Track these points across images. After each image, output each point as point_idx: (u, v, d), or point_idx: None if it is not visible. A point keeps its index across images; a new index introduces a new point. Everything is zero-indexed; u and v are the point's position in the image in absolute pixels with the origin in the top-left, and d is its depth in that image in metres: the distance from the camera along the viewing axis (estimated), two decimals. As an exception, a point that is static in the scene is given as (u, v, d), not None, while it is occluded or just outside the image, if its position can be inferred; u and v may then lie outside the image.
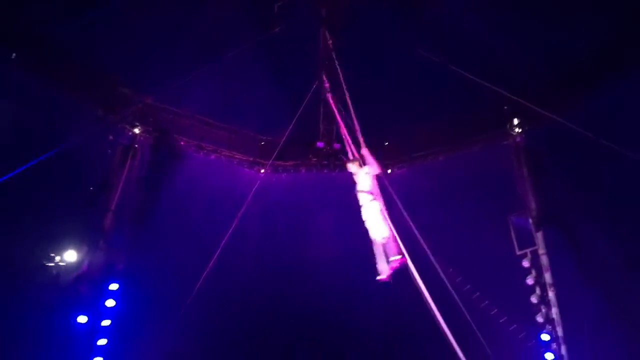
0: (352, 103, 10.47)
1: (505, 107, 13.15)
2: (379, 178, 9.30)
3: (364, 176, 8.77)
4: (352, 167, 9.13)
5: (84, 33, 11.73)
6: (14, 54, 11.53)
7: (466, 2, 10.26)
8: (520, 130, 13.38)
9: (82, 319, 11.95)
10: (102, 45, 12.15)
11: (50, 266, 12.00)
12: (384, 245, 8.28)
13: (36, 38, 11.70)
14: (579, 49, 11.66)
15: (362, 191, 8.60)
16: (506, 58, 9.75)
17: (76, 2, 11.16)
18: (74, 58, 12.13)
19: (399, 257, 7.91)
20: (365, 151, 9.20)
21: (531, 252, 12.88)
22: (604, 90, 11.88)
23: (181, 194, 13.94)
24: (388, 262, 8.10)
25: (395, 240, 8.10)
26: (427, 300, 7.33)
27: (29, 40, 11.68)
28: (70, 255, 12.16)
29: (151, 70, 12.60)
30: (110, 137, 13.25)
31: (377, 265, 8.41)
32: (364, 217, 8.44)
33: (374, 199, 8.51)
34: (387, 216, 8.31)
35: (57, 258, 12.06)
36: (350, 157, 9.73)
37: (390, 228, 8.17)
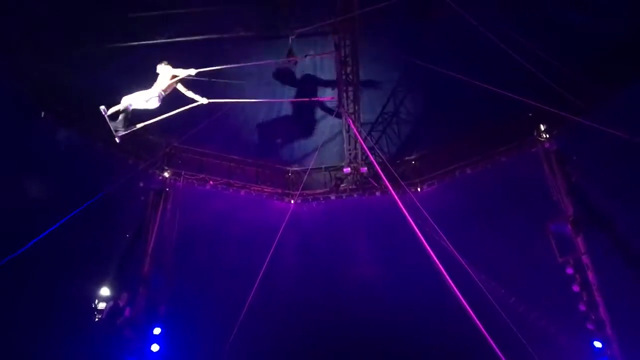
0: (373, 124, 10.50)
1: (530, 114, 13.02)
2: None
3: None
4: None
5: (107, 83, 12.06)
6: (43, 113, 11.93)
7: (481, 9, 10.26)
8: (548, 136, 13.20)
9: (131, 366, 12.06)
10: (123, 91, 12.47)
11: (94, 312, 12.18)
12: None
13: (63, 92, 12.09)
14: (601, 47, 11.50)
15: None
16: (525, 63, 9.66)
17: (103, 53, 11.49)
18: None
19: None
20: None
21: (573, 258, 12.56)
22: (628, 86, 11.65)
23: (215, 232, 14.09)
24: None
25: None
26: (471, 316, 7.16)
27: (58, 95, 12.09)
28: (112, 302, 12.34)
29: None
30: (141, 184, 13.53)
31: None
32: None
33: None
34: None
35: (101, 305, 12.25)
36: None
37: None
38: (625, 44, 11.48)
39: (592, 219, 12.81)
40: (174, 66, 9.19)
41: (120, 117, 8.84)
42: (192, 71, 9.13)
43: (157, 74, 9.21)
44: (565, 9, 10.83)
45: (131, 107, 8.78)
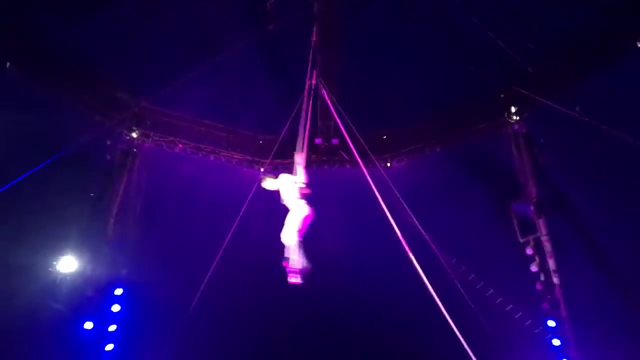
0: (348, 97, 10.43)
1: (502, 95, 13.12)
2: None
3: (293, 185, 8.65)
4: (268, 183, 9.01)
5: (79, 38, 11.73)
6: (8, 63, 11.52)
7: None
8: (518, 118, 13.35)
9: (89, 325, 12.00)
10: (97, 50, 12.16)
11: (53, 273, 12.01)
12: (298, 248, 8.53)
13: (33, 43, 11.70)
14: (574, 31, 11.60)
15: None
16: (499, 45, 9.70)
17: (73, 9, 11.14)
18: (69, 63, 12.14)
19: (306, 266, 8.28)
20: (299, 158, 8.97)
21: (534, 238, 12.88)
22: (601, 71, 11.80)
23: (182, 196, 13.95)
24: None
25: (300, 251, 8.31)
26: (430, 291, 7.31)
27: (26, 46, 11.68)
28: (73, 262, 12.17)
29: (146, 74, 12.60)
30: (108, 142, 13.25)
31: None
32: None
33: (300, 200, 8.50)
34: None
35: (60, 265, 12.08)
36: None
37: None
38: (598, 30, 11.60)
39: (555, 202, 13.11)
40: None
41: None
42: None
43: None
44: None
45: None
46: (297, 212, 8.57)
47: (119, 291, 12.60)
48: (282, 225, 14.70)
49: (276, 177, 8.71)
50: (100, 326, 12.22)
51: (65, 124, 12.38)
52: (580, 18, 11.33)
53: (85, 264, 12.28)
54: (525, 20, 11.29)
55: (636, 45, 10.87)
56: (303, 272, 7.94)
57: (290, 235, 8.26)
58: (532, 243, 12.88)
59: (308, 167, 14.45)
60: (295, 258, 8.14)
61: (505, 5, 11.09)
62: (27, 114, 11.71)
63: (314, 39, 11.45)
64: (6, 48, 11.55)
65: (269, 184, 8.81)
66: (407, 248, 7.88)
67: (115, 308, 12.49)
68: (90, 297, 12.16)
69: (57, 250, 12.21)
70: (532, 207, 13.08)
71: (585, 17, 11.33)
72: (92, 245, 12.53)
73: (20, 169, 9.73)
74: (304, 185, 8.52)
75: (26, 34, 11.51)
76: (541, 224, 12.88)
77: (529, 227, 13.06)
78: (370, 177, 9.36)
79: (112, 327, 12.39)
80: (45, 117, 12.02)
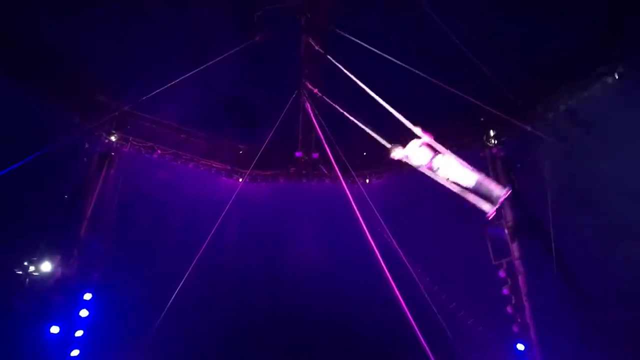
0: (330, 111, 10.48)
1: (482, 119, 13.32)
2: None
3: (419, 149, 8.15)
4: (397, 152, 8.43)
5: (61, 38, 11.61)
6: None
7: (442, 10, 10.43)
8: (496, 142, 13.56)
9: (55, 329, 11.74)
10: (80, 51, 12.05)
11: (23, 274, 11.76)
12: (480, 186, 7.66)
13: (11, 39, 11.52)
14: (554, 57, 11.85)
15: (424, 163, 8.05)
16: (481, 68, 9.87)
17: (55, 8, 11.03)
18: (51, 63, 11.98)
19: (505, 189, 7.38)
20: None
21: (507, 262, 13.01)
22: (579, 97, 12.06)
23: (158, 202, 13.81)
24: (492, 199, 7.46)
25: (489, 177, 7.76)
26: (403, 308, 7.33)
27: (4, 43, 11.51)
28: (44, 264, 11.93)
29: (129, 77, 12.51)
30: (86, 145, 13.08)
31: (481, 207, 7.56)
32: (442, 179, 8.00)
33: (442, 154, 8.01)
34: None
35: (31, 266, 11.83)
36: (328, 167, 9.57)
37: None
38: (577, 56, 11.88)
39: (529, 227, 13.28)
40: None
41: None
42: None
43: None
44: (522, 18, 11.11)
45: None
46: (444, 165, 7.98)
47: (88, 296, 12.35)
48: (256, 235, 14.76)
49: (404, 147, 8.30)
50: (67, 331, 11.95)
51: (43, 124, 12.20)
52: (559, 44, 11.61)
53: (56, 266, 12.03)
54: (505, 45, 11.52)
55: (614, 72, 11.15)
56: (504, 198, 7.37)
57: (466, 181, 7.75)
58: (504, 266, 13.01)
59: (288, 180, 14.61)
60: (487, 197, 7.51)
61: (486, 29, 11.30)
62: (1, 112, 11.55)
63: (302, 51, 11.52)
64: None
65: (398, 153, 8.38)
66: (382, 264, 7.90)
67: (84, 313, 12.23)
68: (58, 301, 11.90)
69: (27, 251, 11.94)
70: (506, 231, 13.24)
71: (565, 43, 11.62)
72: (63, 247, 12.29)
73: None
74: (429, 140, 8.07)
75: (4, 30, 11.33)
76: (514, 247, 13.04)
77: (502, 250, 13.20)
78: (349, 192, 9.38)
79: (79, 333, 12.13)
80: (21, 116, 11.87)
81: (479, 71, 9.75)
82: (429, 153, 8.02)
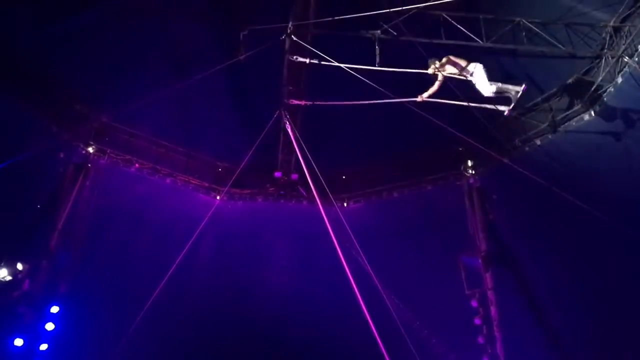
0: (311, 134, 10.52)
1: (460, 149, 13.52)
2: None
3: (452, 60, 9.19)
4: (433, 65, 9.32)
5: (41, 47, 11.52)
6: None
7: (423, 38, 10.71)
8: (473, 172, 13.75)
9: (19, 341, 11.41)
10: (60, 61, 11.95)
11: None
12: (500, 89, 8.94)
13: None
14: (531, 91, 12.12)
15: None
16: (461, 99, 10.04)
17: (35, 17, 10.96)
18: (28, 70, 11.87)
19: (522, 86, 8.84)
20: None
21: (480, 292, 13.09)
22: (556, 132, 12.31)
23: (133, 216, 13.63)
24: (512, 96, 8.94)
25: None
26: (374, 334, 7.28)
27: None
28: (10, 273, 11.63)
29: (109, 89, 12.44)
30: (62, 155, 12.90)
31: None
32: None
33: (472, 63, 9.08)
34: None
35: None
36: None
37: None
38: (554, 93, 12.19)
39: (502, 258, 13.42)
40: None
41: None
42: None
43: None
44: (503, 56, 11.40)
45: None
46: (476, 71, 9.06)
47: (55, 309, 12.05)
48: (231, 253, 14.63)
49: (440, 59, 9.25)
50: (31, 344, 11.62)
51: (18, 132, 12.01)
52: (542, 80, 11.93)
53: (22, 277, 11.74)
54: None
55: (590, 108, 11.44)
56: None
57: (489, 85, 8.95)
58: (477, 296, 13.08)
59: (265, 199, 14.56)
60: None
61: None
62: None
63: (285, 73, 11.58)
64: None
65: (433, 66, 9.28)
66: (355, 288, 7.86)
67: (50, 326, 11.92)
68: (23, 312, 11.58)
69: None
70: (480, 260, 13.35)
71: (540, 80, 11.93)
72: (31, 258, 12.00)
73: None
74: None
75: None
76: (487, 277, 13.14)
77: (475, 280, 13.29)
78: (326, 215, 9.36)
79: (44, 346, 11.80)
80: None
81: (460, 105, 9.93)
82: (461, 62, 9.16)
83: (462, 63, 9.07)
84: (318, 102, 11.10)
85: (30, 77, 11.94)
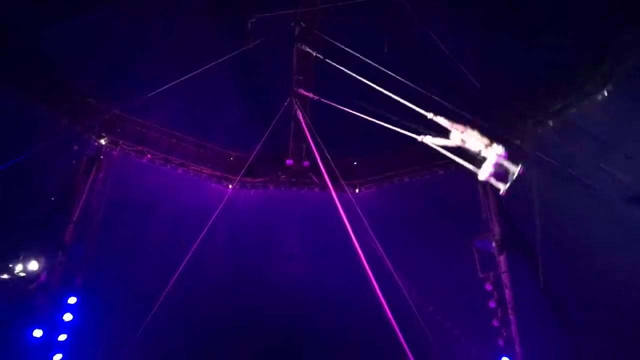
0: (322, 121, 10.50)
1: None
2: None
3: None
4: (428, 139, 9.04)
5: (52, 42, 11.59)
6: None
7: (435, 24, 10.56)
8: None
9: (38, 332, 11.60)
10: (71, 54, 12.03)
11: (6, 277, 11.63)
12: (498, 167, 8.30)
13: (2, 45, 11.48)
14: (543, 72, 11.99)
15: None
16: (472, 80, 9.97)
17: (46, 13, 11.01)
18: (41, 66, 11.96)
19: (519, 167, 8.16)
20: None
21: (494, 275, 13.05)
22: (567, 113, 12.19)
23: (146, 207, 13.73)
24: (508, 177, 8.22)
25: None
26: (389, 319, 7.33)
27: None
28: (28, 267, 11.80)
29: (121, 81, 12.49)
30: (75, 147, 13.00)
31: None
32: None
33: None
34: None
35: (15, 269, 11.70)
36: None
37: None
38: (565, 73, 12.03)
39: (516, 241, 13.35)
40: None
41: None
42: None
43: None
44: (513, 34, 11.25)
45: None
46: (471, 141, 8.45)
47: (72, 300, 12.22)
48: (244, 241, 14.71)
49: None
50: (50, 335, 11.80)
51: (31, 126, 12.15)
52: (551, 61, 11.74)
53: (39, 269, 11.90)
54: (496, 61, 11.64)
55: (603, 89, 11.28)
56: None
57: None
58: (491, 279, 13.05)
59: (277, 187, 14.59)
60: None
61: (479, 45, 11.42)
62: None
63: (295, 60, 11.55)
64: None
65: (429, 139, 9.00)
66: (369, 274, 7.90)
67: (68, 317, 12.10)
68: (41, 304, 11.76)
69: (10, 252, 11.81)
70: (493, 244, 13.30)
71: (556, 60, 11.76)
72: (47, 250, 12.16)
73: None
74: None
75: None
76: (502, 260, 13.09)
77: (489, 263, 13.25)
78: (338, 201, 9.39)
79: (63, 337, 11.99)
80: (9, 118, 11.79)
81: (470, 85, 9.84)
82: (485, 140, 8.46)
83: (485, 141, 8.43)
84: (325, 100, 10.89)
85: (40, 72, 12.03)
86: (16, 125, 11.88)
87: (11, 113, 11.91)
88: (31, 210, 12.42)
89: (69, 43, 11.74)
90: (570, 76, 12.00)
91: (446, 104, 10.18)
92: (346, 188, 12.31)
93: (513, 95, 10.14)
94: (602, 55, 11.31)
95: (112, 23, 11.62)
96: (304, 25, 10.80)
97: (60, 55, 12.02)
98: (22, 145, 10.91)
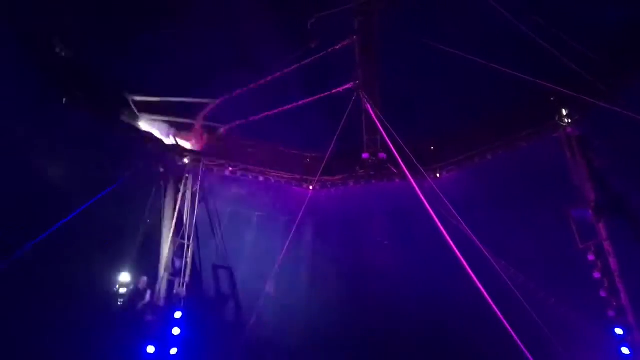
0: (392, 110, 10.39)
1: (552, 99, 12.82)
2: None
3: None
4: None
5: (123, 68, 12.17)
6: (64, 99, 12.04)
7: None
8: (570, 121, 12.99)
9: (151, 349, 12.21)
10: (143, 73, 12.56)
11: (116, 296, 12.36)
12: None
13: (85, 75, 12.19)
14: (624, 31, 11.26)
15: None
16: (548, 46, 9.47)
17: (119, 38, 11.56)
18: (116, 91, 12.59)
19: None
20: None
21: (595, 244, 12.41)
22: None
23: (234, 217, 14.19)
24: None
25: None
26: (489, 302, 7.11)
27: (79, 78, 12.19)
28: (134, 287, 12.50)
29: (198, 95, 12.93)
30: (161, 169, 13.61)
31: None
32: None
33: None
34: None
35: (122, 290, 12.42)
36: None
37: None
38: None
39: (614, 205, 12.63)
40: None
41: None
42: None
43: None
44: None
45: None
46: None
47: (178, 314, 12.80)
48: (331, 239, 14.85)
49: None
50: (162, 350, 12.41)
51: (120, 153, 12.83)
52: (632, 18, 11.01)
53: (143, 288, 12.56)
54: (568, 20, 11.04)
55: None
56: None
57: None
58: (593, 249, 12.41)
59: (357, 183, 14.60)
60: None
61: (545, 5, 10.88)
62: (83, 146, 12.20)
63: (358, 54, 11.49)
64: (60, 82, 12.07)
65: None
66: (461, 259, 7.71)
67: (176, 331, 12.68)
68: (150, 321, 12.39)
69: (116, 275, 12.57)
70: (590, 212, 12.63)
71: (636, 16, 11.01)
72: (150, 269, 12.81)
73: (81, 200, 10.10)
74: None
75: (78, 65, 11.97)
76: (601, 228, 12.42)
77: (588, 233, 12.61)
78: (420, 188, 9.23)
79: (174, 350, 12.58)
80: (101, 147, 12.50)
81: (545, 52, 9.38)
82: None
83: None
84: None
85: (121, 100, 12.70)
86: (104, 152, 12.57)
87: (99, 141, 12.60)
88: (129, 233, 13.12)
89: (140, 66, 12.28)
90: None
91: (518, 74, 9.78)
92: (426, 174, 12.10)
93: (593, 57, 9.48)
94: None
95: (177, 44, 12.04)
96: (363, 19, 10.73)
97: (131, 77, 12.60)
98: (114, 171, 11.53)
